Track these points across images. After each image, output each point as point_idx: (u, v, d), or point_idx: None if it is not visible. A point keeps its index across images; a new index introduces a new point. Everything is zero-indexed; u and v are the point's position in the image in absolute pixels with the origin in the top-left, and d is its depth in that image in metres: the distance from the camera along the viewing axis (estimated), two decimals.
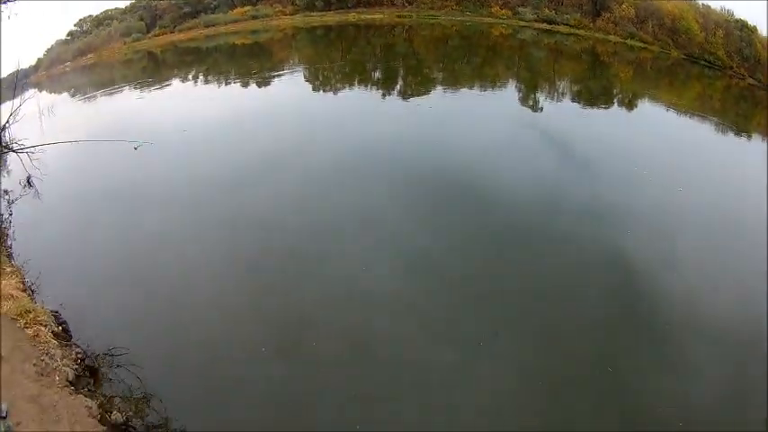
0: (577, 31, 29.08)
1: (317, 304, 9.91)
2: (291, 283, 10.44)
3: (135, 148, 13.14)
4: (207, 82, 23.49)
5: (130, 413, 8.43)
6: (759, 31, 27.94)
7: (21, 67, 18.73)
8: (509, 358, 8.85)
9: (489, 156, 14.91)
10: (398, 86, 22.15)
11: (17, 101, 15.15)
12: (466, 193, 13.14)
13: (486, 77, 22.88)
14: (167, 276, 10.79)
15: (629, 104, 19.92)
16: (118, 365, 9.04)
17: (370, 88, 22.56)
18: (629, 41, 26.32)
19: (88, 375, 8.93)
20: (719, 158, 16.04)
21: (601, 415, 8.11)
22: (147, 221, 12.44)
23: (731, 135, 18.33)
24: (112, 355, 9.16)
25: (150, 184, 13.99)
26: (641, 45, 25.52)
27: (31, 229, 12.03)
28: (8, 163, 14.46)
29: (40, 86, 22.87)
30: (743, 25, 28.59)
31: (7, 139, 14.63)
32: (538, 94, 20.50)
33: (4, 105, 16.01)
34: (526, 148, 15.64)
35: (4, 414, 6.98)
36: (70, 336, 9.49)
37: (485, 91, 21.53)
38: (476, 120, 17.66)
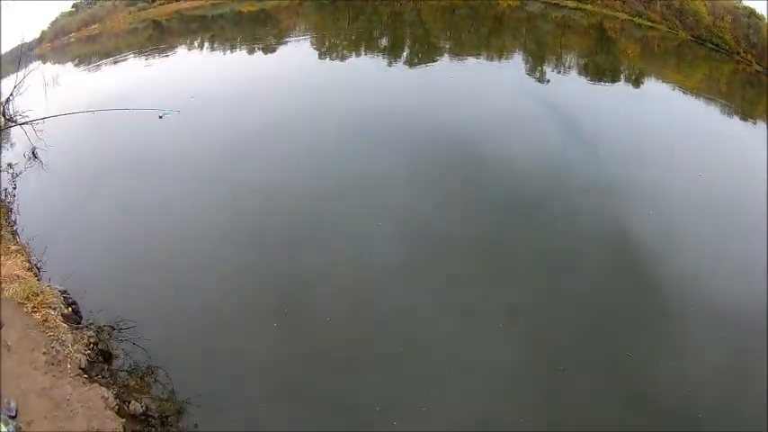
0: (585, 6, 27.98)
1: (320, 270, 9.61)
2: (296, 249, 10.09)
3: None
4: (213, 49, 22.51)
5: (149, 402, 7.65)
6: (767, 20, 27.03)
7: (25, 40, 17.33)
8: (510, 327, 8.66)
9: (495, 125, 14.38)
10: (405, 55, 21.40)
11: (21, 73, 14.30)
12: (471, 161, 12.65)
13: (493, 48, 22.08)
14: (172, 245, 10.27)
15: (636, 81, 19.34)
16: (122, 339, 8.47)
17: (377, 56, 21.73)
18: (636, 19, 25.34)
19: (102, 360, 8.12)
20: (726, 141, 15.52)
21: (599, 386, 7.96)
22: (152, 190, 11.81)
23: (737, 119, 17.55)
24: (120, 329, 8.52)
25: (156, 152, 13.30)
26: (649, 24, 24.55)
27: (36, 203, 11.25)
28: (12, 136, 13.63)
29: (44, 58, 21.75)
30: (751, 12, 27.66)
31: (11, 111, 13.64)
32: (545, 66, 19.81)
33: (7, 79, 15.09)
34: (532, 119, 15.04)
35: (13, 413, 6.27)
36: (80, 317, 8.69)
37: (492, 61, 20.82)
38: (482, 89, 17.10)
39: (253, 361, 8.12)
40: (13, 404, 6.25)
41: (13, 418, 6.15)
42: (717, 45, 24.30)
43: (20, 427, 5.97)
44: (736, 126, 16.78)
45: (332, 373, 7.90)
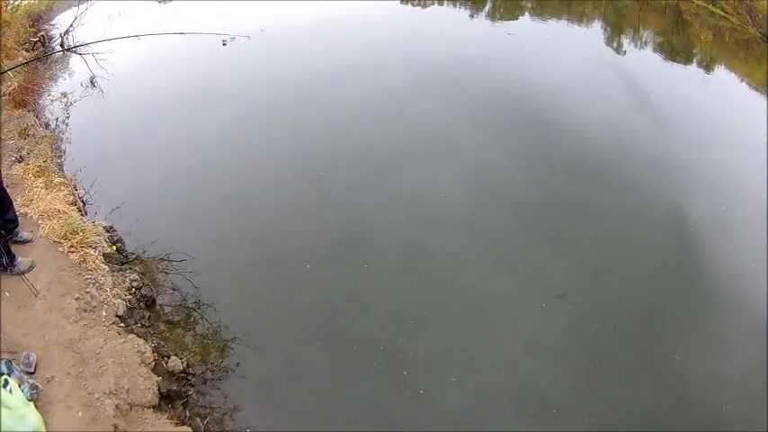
0: None
1: (376, 217, 8.79)
2: (354, 192, 9.27)
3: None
4: None
5: (191, 358, 6.58)
6: None
7: None
8: (555, 298, 7.67)
9: (567, 88, 13.04)
10: (487, 8, 19.61)
11: (84, 5, 13.42)
12: (538, 121, 11.48)
13: (574, 13, 20.16)
14: (230, 181, 9.48)
15: (707, 67, 17.54)
16: (169, 272, 7.57)
17: (458, 7, 20.06)
18: (710, 7, 23.33)
19: (143, 307, 7.10)
20: None
21: (635, 374, 6.87)
22: (211, 123, 10.95)
23: None
24: (169, 260, 7.62)
25: (218, 84, 12.42)
26: (722, 14, 22.49)
27: (90, 133, 10.33)
28: (70, 66, 12.73)
29: None
30: None
31: (70, 42, 12.85)
32: (622, 38, 18.29)
33: (68, 11, 14.16)
34: (604, 87, 13.64)
35: (32, 368, 5.29)
36: (125, 257, 7.64)
37: (571, 25, 19.12)
38: (559, 51, 15.60)
39: (300, 302, 7.36)
40: (32, 358, 5.34)
41: (30, 374, 5.18)
42: None
43: (36, 386, 4.99)
44: None
45: (376, 322, 7.14)
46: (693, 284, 8.20)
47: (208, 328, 6.95)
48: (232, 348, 6.75)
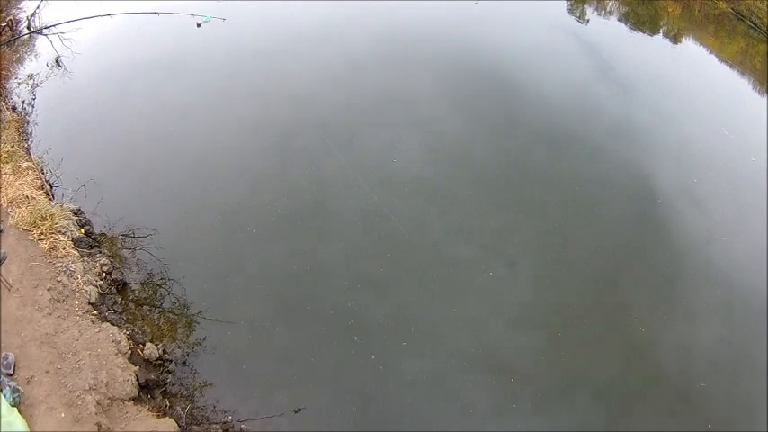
0: None
1: (341, 184, 8.79)
2: (315, 159, 9.25)
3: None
4: None
5: (166, 343, 6.55)
6: None
7: None
8: (519, 262, 7.89)
9: (529, 56, 12.98)
10: None
11: None
12: (501, 88, 11.45)
13: None
14: (192, 152, 9.35)
15: (675, 38, 17.63)
16: (136, 248, 7.49)
17: None
18: None
19: (115, 292, 6.98)
20: (758, 114, 13.60)
21: (600, 338, 7.11)
22: (176, 97, 10.66)
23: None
24: (135, 236, 7.54)
25: (184, 59, 12.05)
26: None
27: (55, 114, 9.98)
28: (36, 48, 12.19)
29: None
30: None
31: (36, 24, 12.01)
32: (585, 6, 17.94)
33: None
34: (567, 56, 13.55)
35: (11, 370, 5.22)
36: (94, 241, 7.50)
37: None
38: (521, 19, 15.49)
39: (260, 270, 7.45)
40: (11, 358, 5.29)
41: (10, 375, 5.13)
42: (755, 24, 22.22)
43: (18, 389, 4.94)
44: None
45: (341, 290, 7.25)
46: (657, 253, 8.32)
47: (175, 304, 6.94)
48: (198, 323, 6.76)
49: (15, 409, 4.70)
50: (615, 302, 7.50)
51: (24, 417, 4.78)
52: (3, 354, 5.25)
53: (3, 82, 10.25)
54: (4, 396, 4.72)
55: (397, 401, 6.21)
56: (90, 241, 7.44)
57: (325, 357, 6.50)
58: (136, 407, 5.58)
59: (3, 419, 4.37)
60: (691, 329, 7.30)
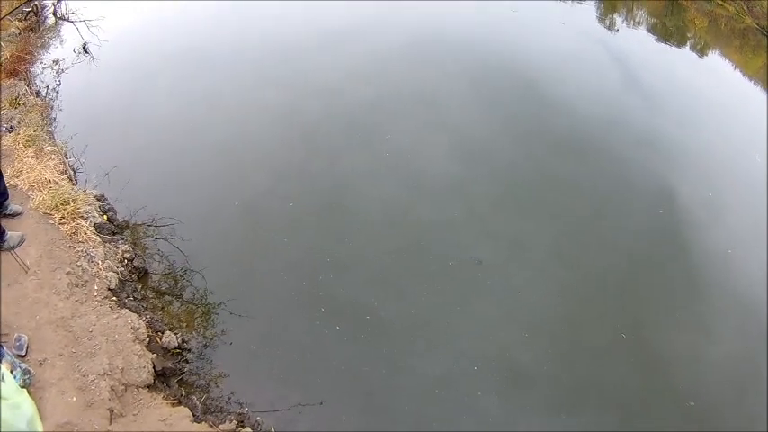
0: None
1: (363, 178, 8.59)
2: (341, 154, 9.02)
3: None
4: None
5: (185, 333, 6.28)
6: None
7: None
8: (539, 267, 7.53)
9: (558, 63, 12.63)
10: None
11: None
12: (529, 93, 11.15)
13: None
14: (217, 143, 9.14)
15: (701, 51, 17.16)
16: (158, 238, 7.27)
17: None
18: None
19: (136, 279, 6.75)
20: None
21: (609, 344, 6.76)
22: (203, 87, 10.55)
23: None
24: (157, 226, 7.33)
25: (212, 47, 11.96)
26: (718, 1, 21.88)
27: (81, 100, 9.85)
28: (62, 34, 12.05)
29: None
30: None
31: (63, 10, 12.29)
32: (616, 16, 17.59)
33: None
34: (595, 64, 13.18)
35: (23, 351, 4.96)
36: (117, 226, 7.31)
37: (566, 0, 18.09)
38: (551, 25, 15.17)
39: (282, 265, 7.16)
40: (24, 339, 5.04)
41: (22, 357, 4.91)
42: None
43: (29, 371, 4.70)
44: None
45: (353, 285, 6.99)
46: (675, 264, 8.00)
47: (195, 295, 6.73)
48: (217, 314, 6.54)
49: (25, 390, 4.48)
50: (629, 312, 7.18)
51: (34, 399, 4.55)
52: (15, 335, 5.05)
53: (27, 66, 10.14)
54: (15, 377, 4.51)
55: (408, 399, 5.95)
56: (112, 228, 7.25)
57: (340, 354, 6.26)
58: (150, 394, 5.32)
59: (10, 401, 4.15)
60: (700, 344, 6.97)
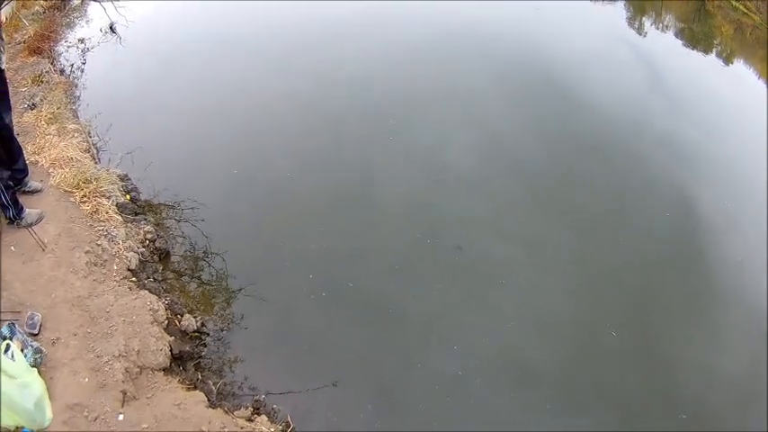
0: None
1: (386, 169, 8.32)
2: (366, 144, 8.82)
3: None
4: None
5: (204, 316, 6.02)
6: None
7: None
8: (557, 268, 7.26)
9: (585, 63, 12.33)
10: None
11: None
12: (554, 90, 10.88)
13: None
14: (241, 128, 8.94)
15: (727, 59, 16.67)
16: (179, 220, 7.04)
17: None
18: (733, 2, 22.14)
19: (157, 260, 6.52)
20: None
21: (622, 353, 6.44)
22: (229, 71, 10.33)
23: None
24: (179, 207, 7.12)
25: (240, 32, 11.77)
26: (744, 10, 21.38)
27: (107, 79, 9.64)
28: (88, 14, 11.85)
29: None
30: None
31: None
32: (644, 18, 17.24)
33: None
34: (622, 66, 12.85)
35: (36, 330, 4.73)
36: (139, 207, 7.07)
37: (596, 1, 18.12)
38: (580, 25, 14.99)
39: (303, 252, 6.92)
40: (37, 318, 4.83)
41: (34, 335, 4.70)
42: None
43: (41, 350, 4.50)
44: None
45: (373, 277, 6.78)
46: (692, 271, 7.74)
47: (215, 279, 6.51)
48: (237, 299, 6.33)
49: (35, 370, 4.29)
50: (644, 317, 6.91)
51: (44, 378, 4.37)
52: (29, 313, 4.87)
53: (51, 45, 9.98)
54: (25, 356, 4.34)
55: (421, 393, 5.71)
56: (135, 208, 7.03)
57: (356, 344, 6.08)
58: (166, 377, 5.12)
59: (19, 380, 3.96)
60: (707, 352, 6.71)
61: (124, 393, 4.66)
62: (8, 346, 4.18)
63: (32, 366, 4.33)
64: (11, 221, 5.59)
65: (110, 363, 4.78)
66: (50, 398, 4.32)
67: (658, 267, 7.68)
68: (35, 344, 4.56)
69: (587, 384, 6.20)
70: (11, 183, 5.55)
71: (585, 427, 5.71)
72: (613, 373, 6.31)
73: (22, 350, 4.36)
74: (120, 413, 4.48)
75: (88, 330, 5.00)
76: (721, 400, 6.26)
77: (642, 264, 7.64)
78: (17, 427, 4.06)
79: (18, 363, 4.13)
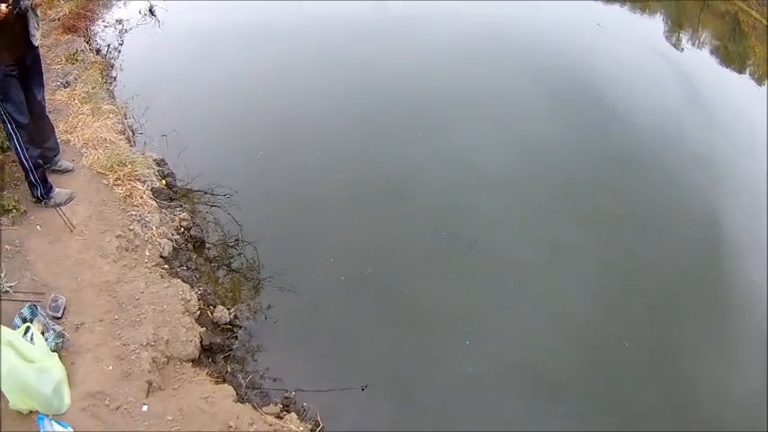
0: None
1: (418, 168, 8.04)
2: (398, 142, 8.52)
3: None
4: None
5: (237, 308, 5.70)
6: None
7: None
8: (584, 276, 6.97)
9: (622, 74, 11.86)
10: None
11: None
12: (588, 97, 10.52)
13: (637, 1, 18.27)
14: (276, 117, 8.69)
15: (759, 80, 15.80)
16: (213, 206, 6.79)
17: None
18: (766, 22, 21.64)
19: (191, 249, 6.26)
20: None
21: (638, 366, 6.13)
22: (267, 60, 10.15)
23: None
24: (213, 194, 6.86)
25: (279, 22, 11.63)
26: None
27: (143, 60, 9.47)
28: None
29: None
30: None
31: None
32: (681, 35, 16.72)
33: None
34: (658, 78, 12.39)
35: (59, 313, 4.45)
36: (175, 192, 6.82)
37: (634, 12, 17.42)
38: (618, 34, 14.32)
39: (331, 245, 6.67)
40: (61, 301, 4.56)
41: (57, 319, 4.43)
42: None
43: (63, 334, 4.24)
44: None
45: (400, 274, 6.54)
46: (710, 288, 7.33)
47: (248, 269, 6.24)
48: (267, 290, 6.05)
49: (56, 354, 4.01)
50: (658, 329, 6.62)
51: (65, 364, 4.10)
52: (52, 295, 4.61)
53: (87, 24, 9.80)
54: (46, 340, 4.07)
55: (444, 393, 5.47)
56: (170, 193, 6.78)
57: (383, 344, 5.82)
58: (194, 369, 4.82)
59: (38, 364, 3.70)
60: (723, 369, 6.37)
61: (150, 383, 4.38)
62: (28, 329, 3.95)
63: (53, 351, 4.06)
64: (38, 200, 5.36)
65: (136, 351, 4.51)
66: (70, 384, 4.06)
67: (678, 281, 7.35)
68: (57, 327, 4.30)
69: (599, 391, 5.91)
70: (40, 161, 5.30)
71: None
72: (624, 382, 6.02)
73: (42, 333, 4.11)
74: (145, 404, 4.21)
75: (115, 317, 4.73)
76: (733, 419, 5.89)
77: (662, 276, 7.35)
78: (30, 411, 3.83)
79: (38, 346, 3.87)
